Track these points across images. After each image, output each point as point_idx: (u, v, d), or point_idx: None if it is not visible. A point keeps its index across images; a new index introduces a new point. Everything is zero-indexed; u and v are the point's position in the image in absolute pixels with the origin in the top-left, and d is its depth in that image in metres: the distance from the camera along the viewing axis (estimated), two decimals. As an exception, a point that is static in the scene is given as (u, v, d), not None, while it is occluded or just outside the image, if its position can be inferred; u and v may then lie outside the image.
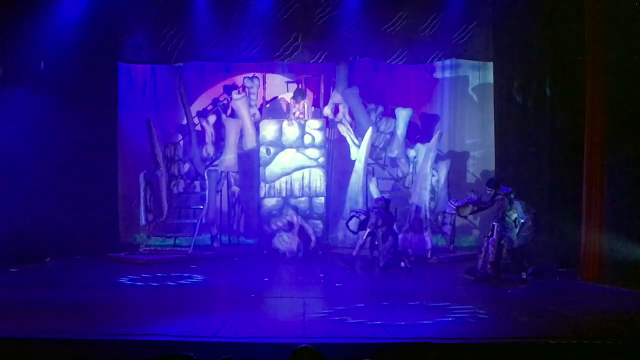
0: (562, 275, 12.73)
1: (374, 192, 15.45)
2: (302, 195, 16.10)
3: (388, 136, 16.31)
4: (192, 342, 7.78)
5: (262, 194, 16.17)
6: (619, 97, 11.55)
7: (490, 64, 15.87)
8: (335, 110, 16.73)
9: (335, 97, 16.62)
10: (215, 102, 17.00)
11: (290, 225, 15.16)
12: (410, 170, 16.08)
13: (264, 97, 17.15)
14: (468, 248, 15.12)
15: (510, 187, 12.22)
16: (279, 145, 16.17)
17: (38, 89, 14.06)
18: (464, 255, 14.68)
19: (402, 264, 13.48)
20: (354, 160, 16.01)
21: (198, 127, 16.36)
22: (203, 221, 15.27)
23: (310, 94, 17.24)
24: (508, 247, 11.81)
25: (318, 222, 15.76)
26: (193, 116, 16.28)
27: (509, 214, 11.85)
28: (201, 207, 15.43)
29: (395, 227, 14.00)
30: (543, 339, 8.02)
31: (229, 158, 15.95)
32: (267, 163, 16.16)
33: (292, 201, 15.85)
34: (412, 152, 16.08)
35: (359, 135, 16.08)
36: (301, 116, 16.50)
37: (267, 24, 15.54)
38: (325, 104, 16.90)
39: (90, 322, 8.87)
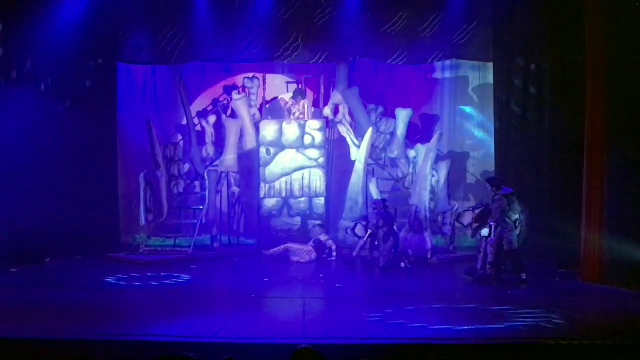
0: (562, 275, 12.73)
1: (374, 193, 15.45)
2: (302, 196, 16.12)
3: (388, 137, 16.32)
4: (192, 343, 7.76)
5: (262, 194, 16.19)
6: (619, 98, 11.54)
7: (491, 65, 15.88)
8: (336, 111, 16.74)
9: (336, 97, 16.63)
10: (215, 102, 17.01)
11: (318, 243, 14.99)
12: (410, 170, 16.08)
13: (264, 98, 17.16)
14: (468, 248, 15.10)
15: (511, 187, 12.21)
16: (279, 145, 16.18)
17: (38, 89, 14.05)
18: (464, 256, 14.66)
19: (402, 264, 13.50)
20: (354, 161, 16.00)
21: (198, 128, 16.37)
22: (203, 221, 15.26)
23: (310, 95, 17.25)
24: (508, 248, 11.79)
25: (318, 222, 15.74)
26: (193, 116, 16.29)
27: (509, 214, 11.82)
28: (201, 207, 15.41)
29: (395, 227, 14.01)
30: (543, 339, 8.01)
31: (229, 158, 15.96)
32: (267, 163, 16.17)
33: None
34: (412, 153, 16.08)
35: (359, 135, 16.08)
36: (301, 116, 16.51)
37: (267, 24, 15.55)
38: (326, 104, 16.91)
39: (90, 323, 8.85)
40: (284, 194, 16.13)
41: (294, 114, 16.54)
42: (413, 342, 7.84)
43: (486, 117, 16.62)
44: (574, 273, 12.43)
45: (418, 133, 16.88)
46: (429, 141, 15.62)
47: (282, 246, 14.82)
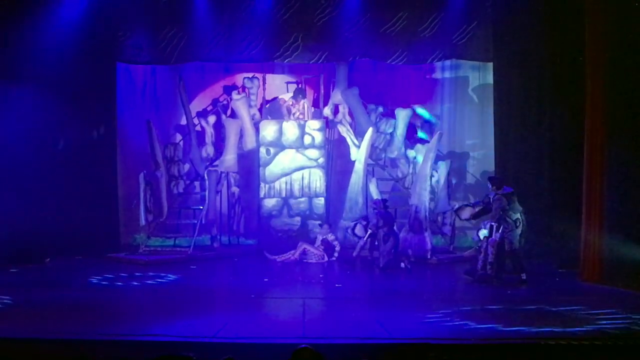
0: (562, 275, 12.72)
1: (374, 193, 15.45)
2: (302, 196, 16.12)
3: (388, 136, 16.32)
4: (192, 343, 7.77)
5: (262, 194, 16.19)
6: (619, 98, 11.53)
7: (490, 65, 15.87)
8: (335, 111, 16.75)
9: (335, 97, 16.64)
10: (215, 102, 17.01)
11: (326, 244, 14.93)
12: (410, 170, 16.08)
13: (264, 98, 17.16)
14: (468, 249, 15.10)
15: (511, 187, 12.21)
16: (279, 145, 16.19)
17: (38, 89, 14.05)
18: (464, 256, 14.65)
19: (402, 264, 13.50)
20: (354, 161, 16.00)
21: (198, 128, 16.37)
22: (203, 222, 15.26)
23: (310, 95, 17.26)
24: (509, 248, 11.78)
25: (318, 222, 15.73)
26: (193, 116, 16.28)
27: (510, 214, 11.82)
28: (201, 207, 15.42)
29: (395, 227, 14.01)
30: (543, 339, 8.01)
31: (229, 158, 15.96)
32: (267, 163, 16.17)
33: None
34: (412, 153, 16.08)
35: (359, 135, 16.08)
36: (301, 116, 16.51)
37: (267, 25, 15.55)
38: (325, 104, 16.92)
39: (90, 323, 8.86)
40: (283, 194, 16.13)
41: (293, 114, 16.54)
42: (413, 342, 7.84)
43: (486, 117, 16.60)
44: (574, 273, 12.42)
45: (418, 133, 16.88)
46: (428, 141, 15.61)
47: (297, 251, 14.67)
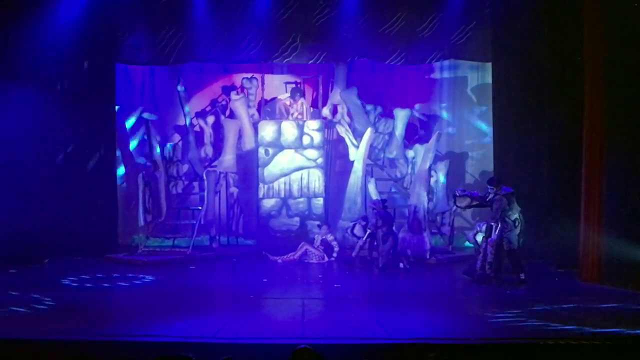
0: (561, 275, 12.73)
1: (373, 193, 15.46)
2: (301, 196, 16.12)
3: (387, 137, 16.32)
4: (191, 343, 7.77)
5: (260, 194, 16.18)
6: (618, 98, 11.54)
7: (489, 65, 15.87)
8: (334, 111, 16.76)
9: (334, 97, 16.65)
10: (213, 102, 17.03)
11: (325, 244, 14.92)
12: (409, 170, 16.09)
13: (262, 98, 17.16)
14: (467, 249, 15.10)
15: (511, 187, 12.21)
16: (278, 146, 16.18)
17: (36, 89, 14.05)
18: (462, 256, 14.67)
19: (401, 264, 13.50)
20: (353, 161, 16.01)
21: (197, 128, 16.37)
22: (202, 222, 15.25)
23: (309, 95, 17.26)
24: (507, 248, 11.79)
25: (317, 223, 15.73)
26: (192, 117, 16.27)
27: (509, 214, 11.82)
28: (200, 208, 15.41)
29: (394, 227, 14.02)
30: (542, 339, 8.02)
31: (228, 159, 15.96)
32: (266, 164, 16.17)
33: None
34: (410, 153, 16.08)
35: (358, 135, 16.09)
36: (300, 116, 16.51)
37: (266, 25, 15.54)
38: (324, 104, 16.93)
39: (89, 323, 8.86)
40: (282, 195, 16.13)
41: (292, 115, 16.54)
42: (412, 342, 7.85)
43: (482, 117, 16.61)
44: (573, 273, 12.43)
45: (417, 133, 16.89)
46: (427, 141, 15.62)
47: (298, 251, 14.67)
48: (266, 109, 16.98)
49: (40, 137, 14.23)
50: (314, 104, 17.22)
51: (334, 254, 14.75)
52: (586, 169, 12.10)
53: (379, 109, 16.54)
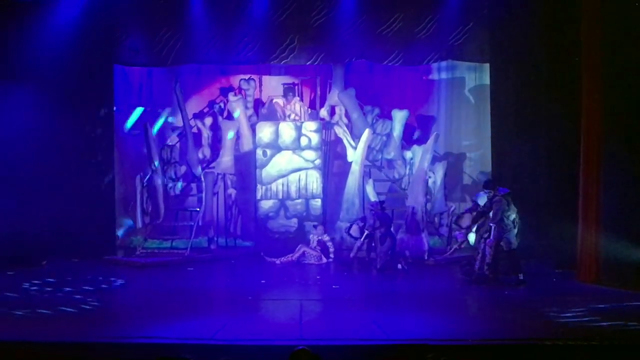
0: (559, 276, 12.73)
1: (371, 194, 15.46)
2: (299, 198, 16.12)
3: (384, 138, 16.33)
4: (190, 345, 7.78)
5: (258, 196, 16.18)
6: (616, 98, 11.56)
7: (487, 66, 15.88)
8: (332, 112, 16.76)
9: (332, 99, 16.65)
10: (211, 104, 17.01)
11: (322, 245, 14.93)
12: (407, 171, 16.09)
13: (260, 99, 17.16)
14: (465, 249, 15.11)
15: (508, 188, 12.21)
16: (276, 147, 16.18)
17: (34, 91, 14.04)
18: (461, 257, 14.64)
19: (399, 265, 13.51)
20: (351, 162, 16.01)
21: (194, 130, 16.35)
22: (200, 223, 15.25)
23: (307, 95, 17.26)
24: (507, 248, 11.80)
25: (314, 223, 15.73)
26: (189, 118, 16.27)
27: (507, 214, 11.83)
28: (198, 209, 15.41)
29: (392, 228, 14.02)
30: (540, 340, 8.02)
31: (226, 160, 15.95)
32: (264, 165, 16.17)
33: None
34: (408, 154, 16.08)
35: (356, 137, 16.08)
36: (296, 117, 16.51)
37: (263, 26, 15.50)
38: (322, 105, 16.93)
39: (88, 325, 8.87)
40: (280, 196, 16.13)
41: (289, 116, 16.55)
42: (411, 343, 7.85)
43: (482, 118, 16.61)
44: (571, 274, 12.43)
45: (414, 134, 16.89)
46: (425, 142, 15.62)
47: (296, 253, 14.68)
48: (262, 111, 16.96)
49: (38, 138, 14.20)
50: (312, 105, 17.22)
51: (331, 255, 14.76)
52: (584, 169, 12.12)
53: (377, 110, 16.55)
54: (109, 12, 15.12)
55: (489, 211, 11.92)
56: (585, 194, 12.05)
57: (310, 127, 16.26)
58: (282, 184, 16.13)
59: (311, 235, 15.08)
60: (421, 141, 16.09)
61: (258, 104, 17.10)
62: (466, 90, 17.36)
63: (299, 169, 16.15)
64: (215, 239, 15.84)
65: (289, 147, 16.16)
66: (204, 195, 15.33)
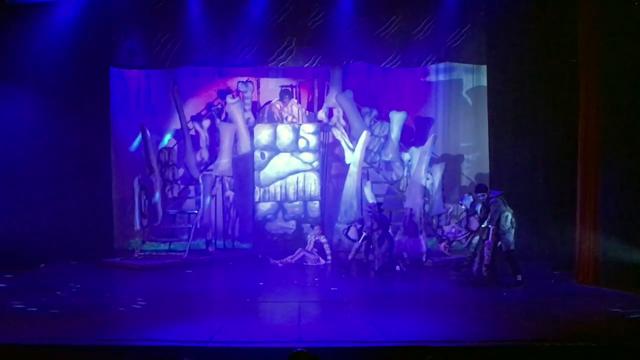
0: (557, 278, 12.74)
1: (369, 196, 15.46)
2: (297, 200, 16.11)
3: (382, 140, 16.32)
4: (188, 347, 7.78)
5: (256, 198, 16.17)
6: (614, 100, 11.57)
7: (484, 67, 15.91)
8: (330, 114, 16.75)
9: (330, 101, 16.64)
10: (209, 106, 17.00)
11: (319, 246, 14.94)
12: (405, 173, 16.08)
13: (258, 102, 17.16)
14: (463, 251, 15.11)
15: (503, 189, 12.22)
16: (274, 149, 16.18)
17: (32, 93, 14.04)
18: (459, 259, 14.64)
19: (397, 267, 13.51)
20: (349, 164, 16.01)
21: (192, 132, 16.34)
22: (198, 226, 15.25)
23: (304, 98, 17.26)
24: (506, 249, 11.81)
25: (312, 224, 15.72)
26: (187, 121, 16.26)
27: (505, 215, 11.83)
28: (196, 211, 15.42)
29: (390, 230, 14.02)
30: (539, 341, 8.02)
31: (224, 162, 15.95)
32: (262, 167, 16.16)
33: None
34: (406, 156, 16.07)
35: (354, 139, 16.08)
36: (294, 119, 16.51)
37: (261, 29, 15.51)
38: (320, 108, 16.92)
39: (86, 328, 8.85)
40: (278, 198, 16.12)
41: (286, 118, 16.55)
42: (409, 344, 7.85)
43: (480, 119, 16.62)
44: (569, 275, 12.44)
45: (412, 136, 16.88)
46: (423, 144, 15.63)
47: (296, 256, 14.74)
48: (260, 114, 16.95)
49: (35, 140, 14.21)
50: (310, 108, 17.21)
51: (328, 256, 14.77)
52: (582, 170, 12.13)
53: (375, 112, 16.55)
54: (106, 14, 15.15)
55: (489, 210, 11.94)
56: (583, 195, 12.06)
57: (308, 129, 16.26)
58: (280, 186, 16.12)
59: (308, 236, 15.09)
60: (419, 143, 16.10)
61: (256, 106, 17.09)
62: (464, 92, 17.37)
63: (297, 171, 16.15)
64: (213, 241, 15.84)
65: (287, 149, 16.16)
66: (202, 197, 15.34)
